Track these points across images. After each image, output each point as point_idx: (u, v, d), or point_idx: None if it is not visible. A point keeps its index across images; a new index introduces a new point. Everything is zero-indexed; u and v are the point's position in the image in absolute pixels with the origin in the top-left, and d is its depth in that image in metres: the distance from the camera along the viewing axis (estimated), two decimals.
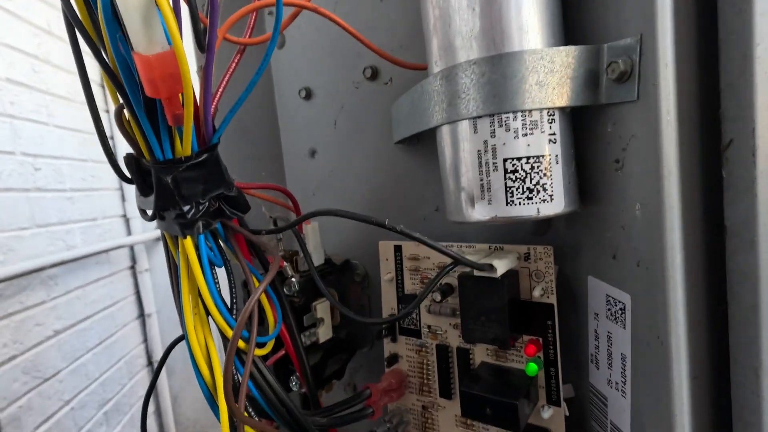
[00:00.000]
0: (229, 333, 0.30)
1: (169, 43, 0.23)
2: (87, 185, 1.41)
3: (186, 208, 0.28)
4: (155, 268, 1.69)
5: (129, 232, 1.60)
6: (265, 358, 0.35)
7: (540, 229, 0.33)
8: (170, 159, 0.27)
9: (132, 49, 0.22)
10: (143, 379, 1.61)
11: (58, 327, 1.22)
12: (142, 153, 0.28)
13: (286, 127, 0.49)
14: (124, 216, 1.62)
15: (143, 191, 0.29)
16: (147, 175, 0.28)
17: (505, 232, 0.35)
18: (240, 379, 0.30)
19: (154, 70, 0.22)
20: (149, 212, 0.30)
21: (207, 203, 0.29)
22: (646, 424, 0.26)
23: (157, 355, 1.65)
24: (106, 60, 0.25)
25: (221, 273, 0.32)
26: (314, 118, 0.46)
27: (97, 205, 1.45)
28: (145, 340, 1.65)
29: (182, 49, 0.23)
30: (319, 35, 0.44)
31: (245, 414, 0.28)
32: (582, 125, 0.27)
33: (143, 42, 0.22)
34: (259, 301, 0.34)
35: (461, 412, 0.31)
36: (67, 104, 1.35)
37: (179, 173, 0.27)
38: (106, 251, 1.41)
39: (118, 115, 0.28)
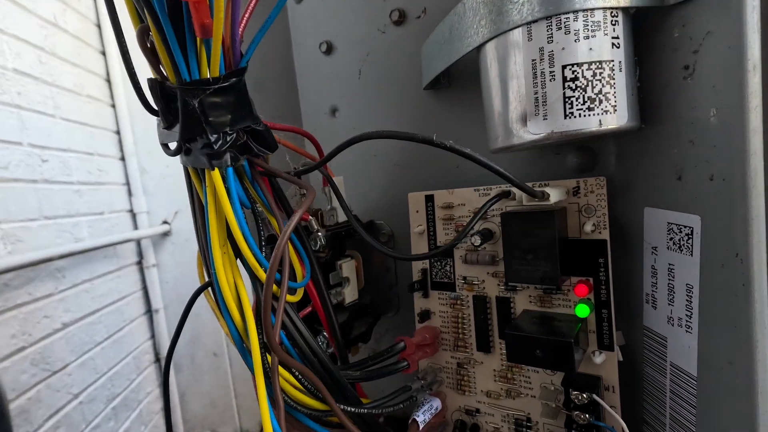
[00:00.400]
0: (260, 272, 0.28)
1: None
2: (94, 179, 1.40)
3: (213, 137, 0.26)
4: (162, 264, 1.68)
5: (136, 227, 1.59)
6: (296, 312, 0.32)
7: (585, 165, 0.31)
8: (197, 80, 0.25)
9: None
10: (151, 374, 1.59)
11: (66, 320, 1.20)
12: (166, 77, 0.26)
13: (305, 85, 0.47)
14: (131, 211, 1.61)
15: (167, 121, 0.27)
16: (172, 101, 0.26)
17: (545, 171, 0.33)
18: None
19: None
20: (172, 146, 0.29)
21: (235, 135, 0.27)
22: (717, 357, 0.24)
23: (165, 350, 1.63)
24: None
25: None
26: (335, 73, 0.45)
27: (104, 199, 1.44)
28: (153, 336, 1.63)
29: None
30: None
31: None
32: (640, 37, 0.25)
33: None
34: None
35: (507, 357, 0.29)
36: (73, 97, 1.34)
37: (206, 96, 0.26)
38: (113, 245, 1.40)
39: (141, 37, 0.26)
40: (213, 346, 1.71)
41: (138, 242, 1.58)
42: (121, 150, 1.58)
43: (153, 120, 0.29)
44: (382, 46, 0.40)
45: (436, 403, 0.35)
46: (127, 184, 1.60)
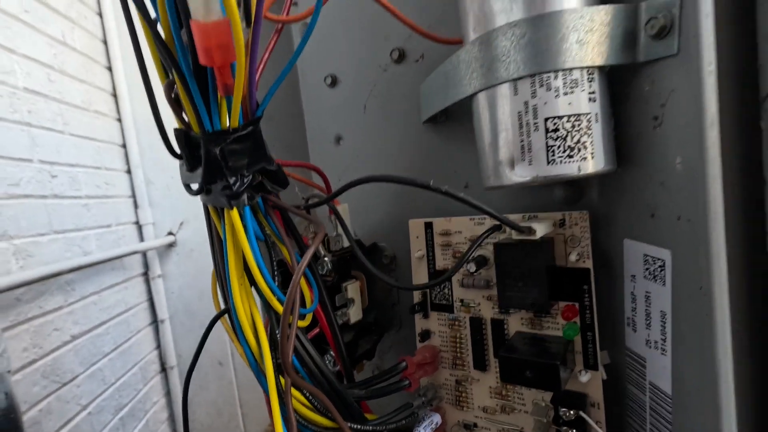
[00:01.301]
0: (276, 303, 0.30)
1: (224, 13, 0.24)
2: (102, 192, 1.43)
3: (232, 180, 0.29)
4: (168, 275, 1.70)
5: (141, 239, 1.62)
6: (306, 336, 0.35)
7: (572, 198, 0.34)
8: (218, 130, 0.28)
9: (190, 17, 0.23)
10: (157, 384, 1.62)
11: (76, 332, 1.23)
12: (190, 126, 0.29)
13: (311, 114, 0.50)
14: (137, 223, 1.63)
15: (190, 165, 0.30)
16: (195, 148, 0.29)
17: (535, 202, 0.35)
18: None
19: (211, 39, 0.23)
20: (194, 187, 0.31)
21: (251, 176, 0.30)
22: (688, 378, 0.26)
23: (171, 360, 1.65)
24: (161, 33, 0.26)
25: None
26: (339, 104, 0.47)
27: (111, 212, 1.47)
28: (159, 346, 1.66)
29: (238, 17, 0.23)
30: (345, 22, 0.45)
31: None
32: (617, 87, 0.28)
33: (201, 10, 0.23)
34: None
35: (500, 377, 0.31)
36: (82, 113, 1.38)
37: (226, 145, 0.28)
38: (120, 257, 1.43)
39: (168, 90, 0.29)
40: (218, 356, 1.73)
41: (144, 254, 1.61)
42: (127, 163, 1.62)
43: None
44: (384, 82, 0.43)
45: (437, 418, 0.38)
46: (133, 196, 1.63)
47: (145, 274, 1.63)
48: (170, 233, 1.72)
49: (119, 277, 1.46)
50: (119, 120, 1.59)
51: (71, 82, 1.34)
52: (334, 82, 0.47)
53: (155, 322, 1.65)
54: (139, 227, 1.63)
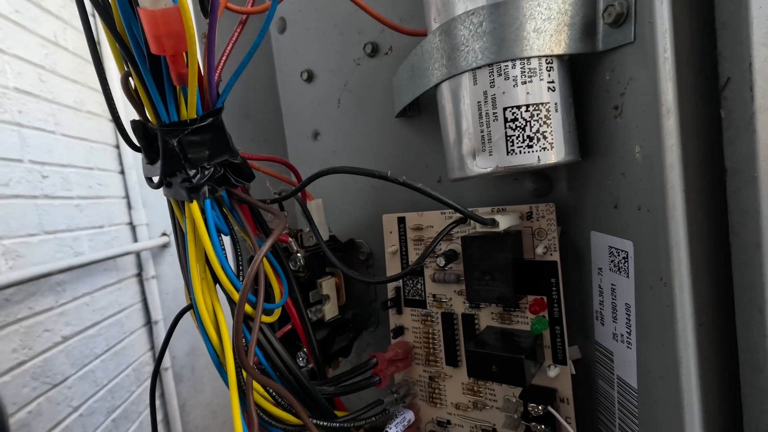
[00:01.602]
0: (236, 296, 0.30)
1: (175, 0, 0.23)
2: (94, 193, 1.42)
3: (192, 172, 0.29)
4: (162, 276, 1.70)
5: (135, 240, 1.61)
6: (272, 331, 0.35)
7: (541, 190, 0.33)
8: (175, 122, 0.28)
9: (138, 4, 0.23)
10: None
11: (67, 333, 1.22)
12: (148, 118, 0.29)
13: (289, 110, 0.50)
14: (131, 224, 1.63)
15: (150, 158, 0.30)
16: (153, 140, 0.29)
17: (506, 195, 0.35)
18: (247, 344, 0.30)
19: (160, 27, 0.23)
20: (155, 180, 0.31)
21: (212, 168, 0.30)
22: (652, 371, 0.26)
23: (165, 362, 1.65)
24: (113, 20, 0.25)
25: (227, 250, 0.32)
26: (316, 100, 0.47)
27: (103, 213, 1.47)
28: (153, 347, 1.65)
29: (187, 5, 0.23)
30: (320, 17, 0.45)
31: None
32: (580, 77, 0.28)
33: None
34: (266, 275, 0.34)
35: (467, 372, 0.31)
36: (73, 113, 1.37)
37: (185, 136, 0.28)
38: (113, 257, 1.42)
39: (125, 81, 0.28)
40: None
41: (137, 254, 1.60)
42: (121, 164, 1.61)
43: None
44: (358, 77, 0.43)
45: (409, 416, 0.37)
46: (127, 197, 1.62)
47: (139, 275, 1.63)
48: (164, 234, 1.72)
49: (112, 278, 1.46)
50: (111, 120, 1.59)
51: (63, 83, 1.34)
52: (310, 77, 0.47)
53: (149, 323, 1.64)
54: (133, 228, 1.62)
